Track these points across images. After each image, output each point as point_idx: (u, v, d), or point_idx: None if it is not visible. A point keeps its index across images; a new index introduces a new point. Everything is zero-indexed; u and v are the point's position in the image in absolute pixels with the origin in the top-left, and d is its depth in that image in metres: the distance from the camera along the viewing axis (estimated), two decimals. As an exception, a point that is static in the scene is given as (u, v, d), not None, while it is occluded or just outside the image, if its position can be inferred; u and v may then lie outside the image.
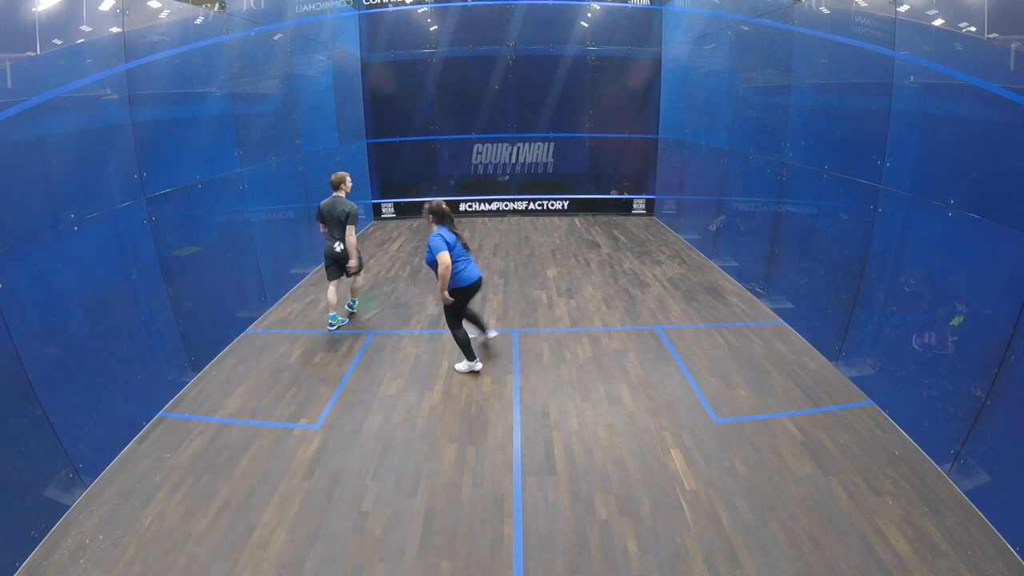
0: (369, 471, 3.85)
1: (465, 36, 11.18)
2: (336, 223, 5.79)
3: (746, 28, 7.42)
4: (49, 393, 3.43)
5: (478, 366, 5.14)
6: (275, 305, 6.90)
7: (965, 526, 3.24)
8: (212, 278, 5.61)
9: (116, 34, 4.32)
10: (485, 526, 3.35)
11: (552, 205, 11.99)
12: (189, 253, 5.28)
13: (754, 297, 6.91)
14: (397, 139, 11.74)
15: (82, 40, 4.05)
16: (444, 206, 4.95)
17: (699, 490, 3.60)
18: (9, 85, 3.44)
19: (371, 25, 11.21)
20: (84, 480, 3.67)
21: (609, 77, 11.52)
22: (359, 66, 11.12)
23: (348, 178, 5.99)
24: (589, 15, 11.31)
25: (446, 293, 4.84)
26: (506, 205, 12.02)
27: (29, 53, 3.62)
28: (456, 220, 5.19)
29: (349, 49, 10.65)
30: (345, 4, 10.37)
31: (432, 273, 4.91)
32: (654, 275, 7.82)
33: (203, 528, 3.35)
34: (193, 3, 5.78)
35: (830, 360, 5.21)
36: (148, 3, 4.90)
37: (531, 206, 12.00)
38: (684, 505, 3.48)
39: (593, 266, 8.30)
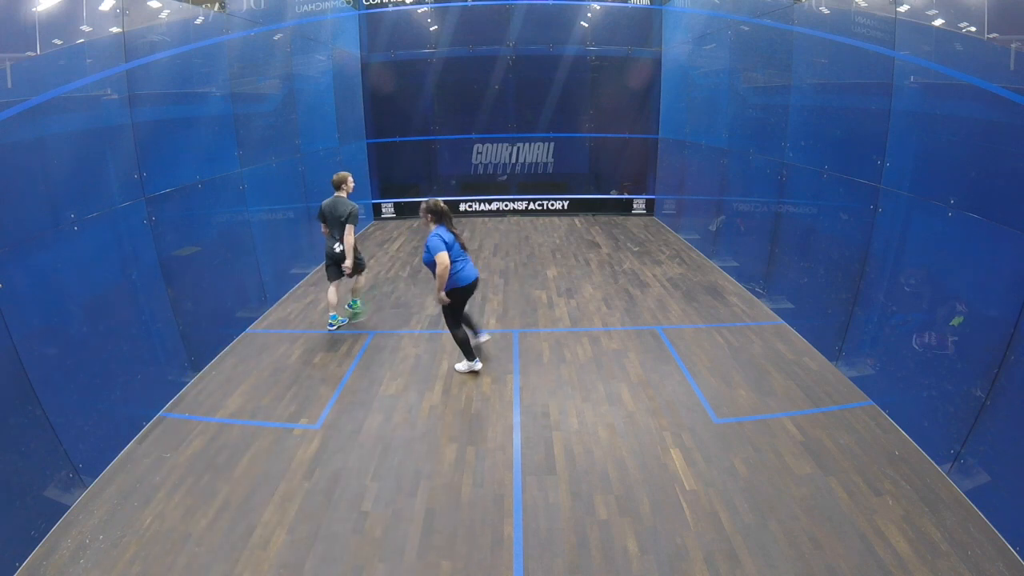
0: (369, 471, 3.85)
1: (465, 36, 11.18)
2: (337, 223, 5.77)
3: (746, 28, 7.42)
4: (49, 393, 3.43)
5: (478, 366, 5.14)
6: (275, 305, 6.90)
7: (965, 526, 3.24)
8: (212, 278, 5.61)
9: (116, 34, 4.32)
10: (485, 526, 3.35)
11: (552, 205, 11.99)
12: (189, 253, 5.28)
13: (754, 297, 6.91)
14: (397, 139, 11.74)
15: (82, 40, 4.05)
16: (442, 205, 4.90)
17: (699, 490, 3.60)
18: (9, 85, 3.44)
19: (371, 25, 11.21)
20: (84, 480, 3.67)
21: (609, 77, 11.52)
22: (359, 66, 11.12)
23: (350, 178, 5.97)
24: (589, 15, 11.32)
25: (443, 294, 4.84)
26: (506, 205, 12.02)
27: (29, 53, 3.62)
28: (455, 220, 5.17)
29: (349, 49, 10.65)
30: (345, 4, 10.37)
31: (431, 273, 4.88)
32: (654, 275, 7.82)
33: (203, 528, 3.35)
34: (193, 3, 5.78)
35: (830, 360, 5.22)
36: (148, 3, 4.90)
37: (531, 206, 12.00)
38: (684, 505, 3.48)
39: (593, 266, 8.30)
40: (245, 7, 6.68)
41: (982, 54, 3.66)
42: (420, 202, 5.02)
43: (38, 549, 3.19)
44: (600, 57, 11.41)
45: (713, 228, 8.60)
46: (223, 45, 5.98)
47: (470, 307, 5.41)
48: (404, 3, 11.21)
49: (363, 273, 6.26)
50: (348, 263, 5.76)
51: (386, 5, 11.20)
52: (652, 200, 11.87)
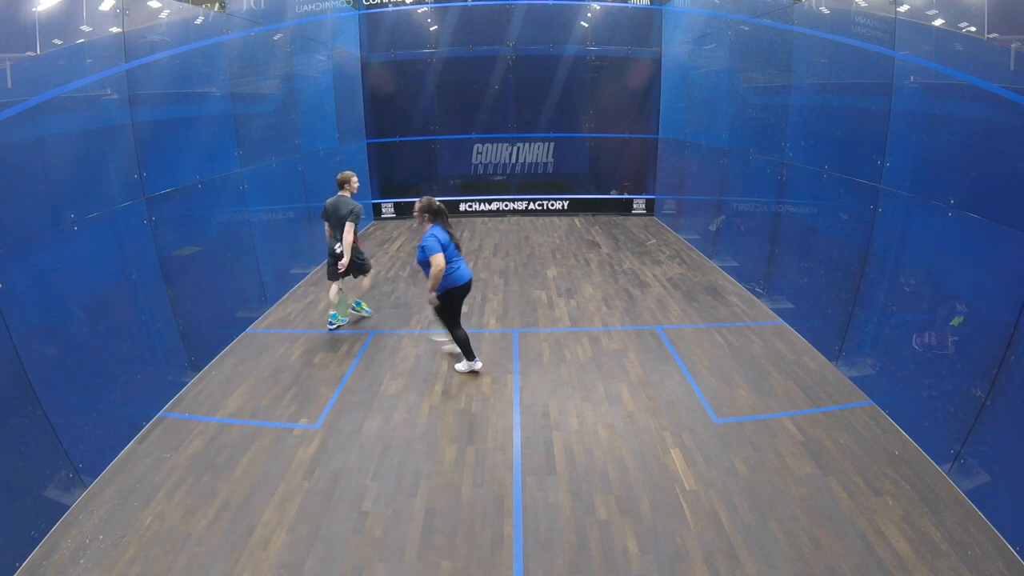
0: (369, 471, 3.85)
1: (465, 36, 11.18)
2: (339, 222, 5.76)
3: (746, 28, 7.42)
4: (49, 393, 3.43)
5: (478, 365, 5.14)
6: (275, 305, 6.90)
7: (965, 526, 3.24)
8: (212, 278, 5.61)
9: (116, 34, 4.32)
10: (485, 526, 3.35)
11: (552, 205, 11.99)
12: (189, 253, 5.28)
13: (754, 297, 6.91)
14: (397, 139, 11.74)
15: (82, 40, 4.05)
16: (437, 203, 4.86)
17: (699, 490, 3.60)
18: (9, 85, 3.44)
19: (371, 25, 11.21)
20: (84, 480, 3.67)
21: (609, 77, 11.52)
22: (359, 66, 11.12)
23: (354, 178, 5.94)
24: (589, 15, 11.32)
25: (433, 295, 4.82)
26: (506, 205, 12.02)
27: (29, 53, 3.62)
28: (455, 220, 5.16)
29: (349, 49, 10.65)
30: (345, 4, 10.37)
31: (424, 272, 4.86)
32: (654, 275, 7.82)
33: (203, 528, 3.35)
34: (193, 3, 5.78)
35: (830, 360, 5.21)
36: (148, 3, 4.90)
37: (531, 206, 12.00)
38: (684, 505, 3.48)
39: (593, 266, 8.30)
40: (245, 7, 6.68)
41: (982, 54, 3.66)
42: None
43: (38, 549, 3.19)
44: (600, 57, 11.41)
45: (713, 228, 8.60)
46: (223, 45, 5.98)
47: (470, 308, 5.40)
48: (404, 3, 11.21)
49: (368, 274, 6.19)
50: (345, 260, 5.73)
51: (386, 5, 11.20)
52: (652, 200, 11.87)
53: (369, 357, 5.50)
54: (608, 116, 11.69)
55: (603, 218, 11.69)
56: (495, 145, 11.85)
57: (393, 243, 9.93)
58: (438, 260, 4.66)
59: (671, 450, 4.01)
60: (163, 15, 5.06)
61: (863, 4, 5.01)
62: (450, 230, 4.88)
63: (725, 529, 3.27)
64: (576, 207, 11.98)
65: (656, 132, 11.53)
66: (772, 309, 6.46)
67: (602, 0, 11.30)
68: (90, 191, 4.07)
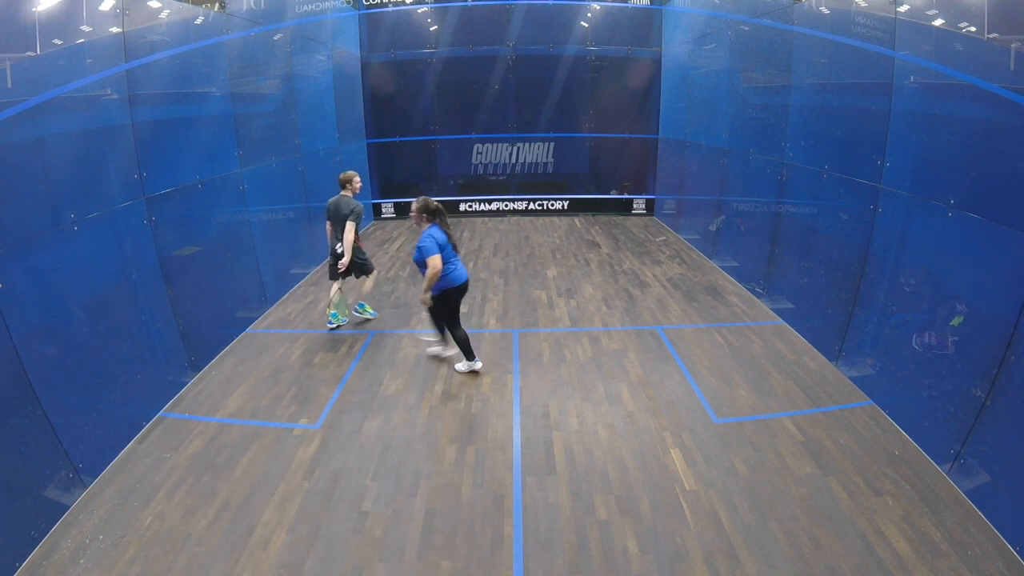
0: (369, 471, 3.85)
1: (465, 36, 11.18)
2: (341, 222, 5.77)
3: (746, 28, 7.42)
4: (49, 393, 3.43)
5: (478, 365, 5.14)
6: (275, 305, 6.90)
7: (965, 526, 3.24)
8: (212, 278, 5.61)
9: (116, 34, 4.32)
10: (485, 526, 3.35)
11: (552, 205, 11.99)
12: (189, 253, 5.28)
13: (754, 297, 6.91)
14: (397, 139, 11.74)
15: (82, 40, 4.05)
16: (435, 203, 4.83)
17: (699, 490, 3.60)
18: (9, 85, 3.44)
19: (371, 25, 11.21)
20: (84, 480, 3.67)
21: (609, 77, 11.52)
22: (359, 66, 11.12)
23: (356, 178, 5.93)
24: (589, 15, 11.32)
25: (427, 295, 4.82)
26: (506, 205, 12.02)
27: (29, 53, 3.62)
28: (454, 220, 5.15)
29: (349, 49, 10.65)
30: (345, 4, 10.37)
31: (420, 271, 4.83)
32: (654, 275, 7.82)
33: (203, 528, 3.35)
34: (193, 3, 5.78)
35: (830, 360, 5.22)
36: (148, 3, 4.90)
37: (531, 206, 12.00)
38: (684, 505, 3.48)
39: (593, 266, 8.30)
40: (245, 7, 6.68)
41: (982, 54, 3.66)
42: (419, 202, 4.96)
43: (38, 549, 3.19)
44: (600, 57, 11.41)
45: (713, 228, 8.60)
46: (223, 45, 5.98)
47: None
48: (404, 3, 11.21)
49: (370, 276, 6.16)
50: (345, 260, 5.72)
51: (386, 5, 11.20)
52: (652, 200, 11.87)
53: (369, 357, 5.50)
54: (608, 116, 11.69)
55: (603, 218, 11.69)
56: (495, 145, 11.85)
57: (393, 243, 9.93)
58: (435, 261, 4.65)
59: (671, 450, 4.01)
60: (163, 15, 5.06)
61: (863, 4, 5.01)
62: (448, 230, 4.86)
63: (725, 529, 3.27)
64: (576, 207, 11.99)
65: (656, 132, 11.53)
66: (772, 309, 6.46)
67: (602, 0, 11.30)
68: (90, 191, 4.07)
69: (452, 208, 11.88)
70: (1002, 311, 3.34)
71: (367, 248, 6.14)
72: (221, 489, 3.68)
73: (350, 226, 5.69)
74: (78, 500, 3.57)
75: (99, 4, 4.22)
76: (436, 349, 5.40)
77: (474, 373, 5.13)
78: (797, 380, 4.91)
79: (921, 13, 4.24)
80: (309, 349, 5.69)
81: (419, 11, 11.27)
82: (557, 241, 9.85)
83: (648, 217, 11.78)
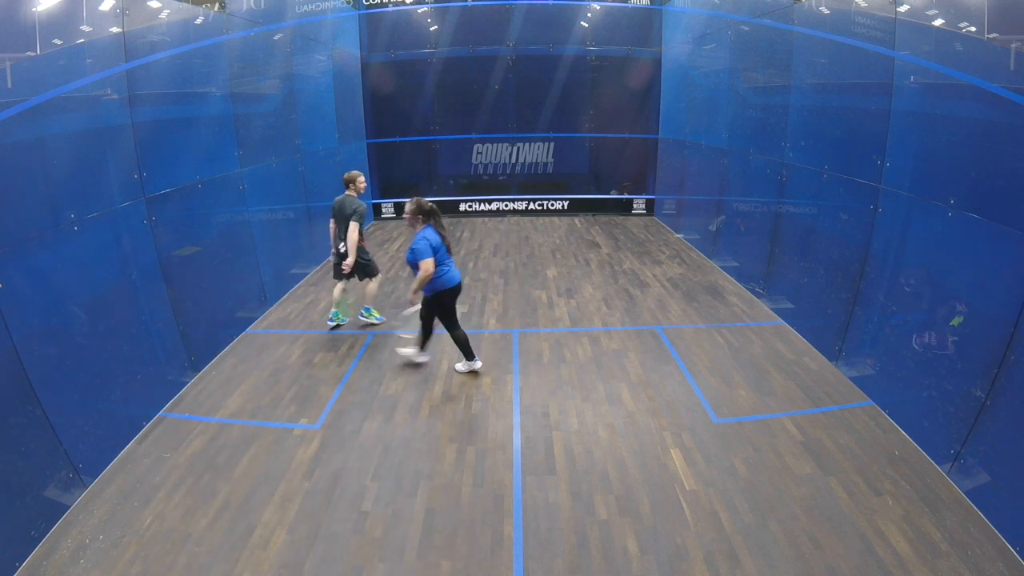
0: (369, 471, 3.85)
1: (465, 36, 11.18)
2: (344, 221, 5.77)
3: (746, 28, 7.42)
4: (49, 393, 3.43)
5: (477, 364, 5.14)
6: (275, 305, 6.90)
7: (965, 526, 3.24)
8: (212, 278, 5.61)
9: (116, 34, 4.32)
10: (485, 526, 3.35)
11: (552, 205, 11.99)
12: (189, 253, 5.28)
13: (754, 297, 6.91)
14: (397, 139, 11.75)
15: (82, 40, 4.05)
16: (429, 204, 4.80)
17: (699, 490, 3.60)
18: (9, 85, 3.44)
19: (371, 25, 11.21)
20: (84, 480, 3.67)
21: (609, 77, 11.53)
22: (359, 66, 11.12)
23: (360, 177, 5.92)
24: (589, 15, 11.32)
25: (416, 296, 4.79)
26: (506, 205, 12.02)
27: (29, 53, 3.62)
28: (456, 221, 5.14)
29: (349, 49, 10.65)
30: (345, 4, 10.37)
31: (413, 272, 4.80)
32: (654, 275, 7.83)
33: (203, 528, 3.35)
34: (193, 3, 5.78)
35: (830, 360, 5.21)
36: (148, 3, 4.90)
37: (531, 206, 12.00)
38: (684, 505, 3.48)
39: (593, 266, 8.30)
40: (245, 7, 6.68)
41: (982, 54, 3.66)
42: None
43: (38, 549, 3.19)
44: (600, 57, 11.41)
45: (713, 228, 8.60)
46: (223, 45, 5.98)
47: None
48: (404, 3, 11.21)
49: (375, 279, 6.14)
50: (349, 260, 5.72)
51: (386, 5, 11.20)
52: (652, 200, 11.87)
53: (369, 357, 5.50)
54: (608, 116, 11.70)
55: (603, 218, 11.69)
56: (495, 145, 11.86)
57: (393, 243, 9.93)
58: (427, 265, 4.62)
59: (671, 450, 4.01)
60: (163, 15, 5.06)
61: (863, 4, 5.02)
62: (442, 231, 4.82)
63: (725, 529, 3.27)
64: (576, 207, 11.99)
65: (656, 132, 11.54)
66: (772, 309, 6.46)
67: (602, 0, 11.30)
68: (90, 191, 4.07)
69: (452, 208, 11.89)
70: (1002, 311, 3.34)
71: (368, 248, 6.13)
72: (221, 489, 3.68)
73: (353, 226, 5.68)
74: (78, 500, 3.57)
75: (99, 4, 4.22)
76: (409, 351, 5.28)
77: (474, 373, 5.13)
78: (797, 380, 4.91)
79: (921, 13, 4.24)
80: (309, 349, 5.69)
81: (419, 11, 11.27)
82: (557, 241, 9.85)
83: (648, 217, 11.78)
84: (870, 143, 4.71)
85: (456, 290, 4.93)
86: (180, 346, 4.95)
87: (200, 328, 5.28)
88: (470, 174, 12.05)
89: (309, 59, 8.59)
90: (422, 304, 5.01)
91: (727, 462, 3.86)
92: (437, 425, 4.38)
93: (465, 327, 5.18)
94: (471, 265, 8.46)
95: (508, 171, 12.04)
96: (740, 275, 7.49)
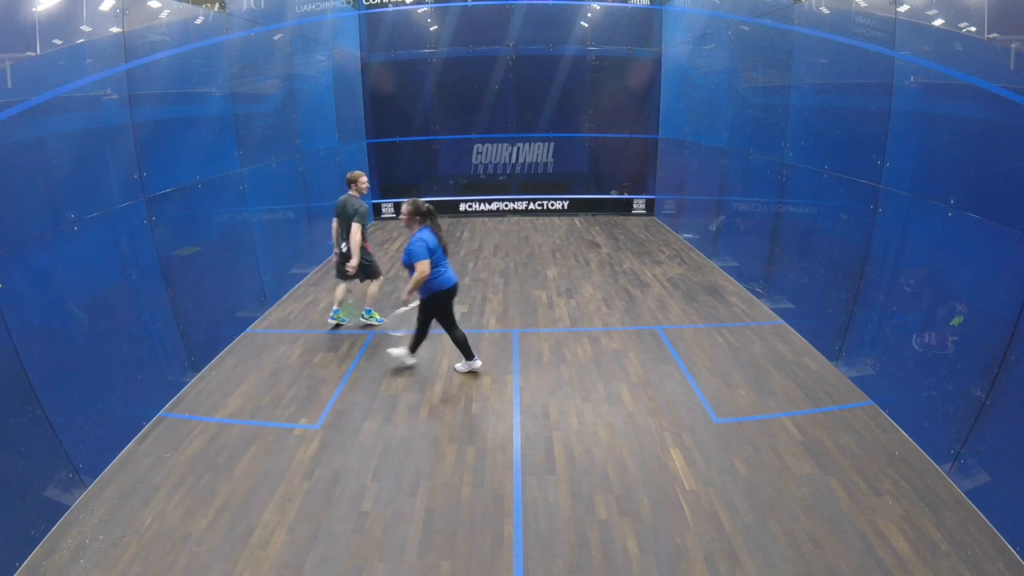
0: (369, 471, 3.85)
1: (465, 36, 11.18)
2: (347, 222, 5.78)
3: (746, 28, 7.42)
4: (49, 393, 3.43)
5: (477, 364, 5.14)
6: (275, 305, 6.90)
7: (965, 526, 3.24)
8: (212, 278, 5.61)
9: (116, 34, 4.32)
10: (485, 526, 3.35)
11: (552, 205, 11.99)
12: (189, 253, 5.28)
13: (754, 297, 6.91)
14: (397, 139, 11.75)
15: (82, 40, 4.05)
16: (426, 206, 4.78)
17: (699, 490, 3.60)
18: (9, 85, 3.44)
19: (371, 25, 11.21)
20: (84, 480, 3.67)
21: (609, 77, 11.53)
22: (359, 66, 11.12)
23: (362, 177, 5.94)
24: (589, 15, 11.32)
25: (409, 296, 4.78)
26: (506, 205, 12.02)
27: (29, 53, 3.62)
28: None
29: (349, 49, 10.65)
30: (345, 4, 10.37)
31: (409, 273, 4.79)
32: (654, 275, 7.83)
33: (203, 528, 3.35)
34: (193, 3, 5.78)
35: (830, 360, 5.21)
36: (148, 3, 4.90)
37: (531, 206, 12.00)
38: (684, 505, 3.48)
39: (593, 266, 8.30)
40: (245, 7, 6.68)
41: (982, 54, 3.66)
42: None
43: (38, 549, 3.19)
44: (600, 57, 11.41)
45: (713, 228, 8.60)
46: (223, 45, 5.98)
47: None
48: (404, 3, 11.21)
49: (377, 281, 6.14)
50: (354, 262, 5.72)
51: (386, 5, 11.20)
52: (652, 200, 11.87)
53: (369, 357, 5.50)
54: (608, 116, 11.70)
55: (603, 218, 11.69)
56: (495, 145, 11.86)
57: (393, 243, 9.93)
58: (423, 267, 4.61)
59: (671, 450, 4.01)
60: (163, 15, 5.06)
61: (863, 4, 5.02)
62: (439, 233, 4.81)
63: (725, 529, 3.27)
64: (576, 207, 11.99)
65: (656, 132, 11.54)
66: (772, 309, 6.46)
67: (602, 0, 11.30)
68: (90, 191, 4.07)
69: (452, 208, 11.89)
70: (1002, 311, 3.34)
71: (371, 250, 6.13)
72: (221, 489, 3.68)
73: (356, 228, 5.69)
74: (78, 500, 3.57)
75: (99, 4, 4.22)
76: (399, 352, 5.23)
77: (474, 373, 5.12)
78: (797, 380, 4.91)
79: (921, 13, 4.24)
80: (309, 349, 5.69)
81: (419, 11, 11.27)
82: (557, 241, 9.85)
83: (648, 217, 11.78)
84: (870, 143, 4.71)
85: (452, 291, 4.91)
86: (180, 346, 4.95)
87: (200, 328, 5.28)
88: (470, 174, 12.05)
89: (309, 59, 8.59)
90: (419, 307, 4.98)
91: (727, 462, 3.86)
92: (437, 425, 4.38)
93: (465, 327, 5.18)
94: (471, 265, 8.46)
95: (508, 171, 12.04)
96: (740, 275, 7.49)
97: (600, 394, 4.76)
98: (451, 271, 4.91)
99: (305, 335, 6.04)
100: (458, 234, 10.36)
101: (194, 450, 4.09)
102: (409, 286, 4.72)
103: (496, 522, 3.38)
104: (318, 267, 8.35)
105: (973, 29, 3.74)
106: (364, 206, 5.80)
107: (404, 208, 4.84)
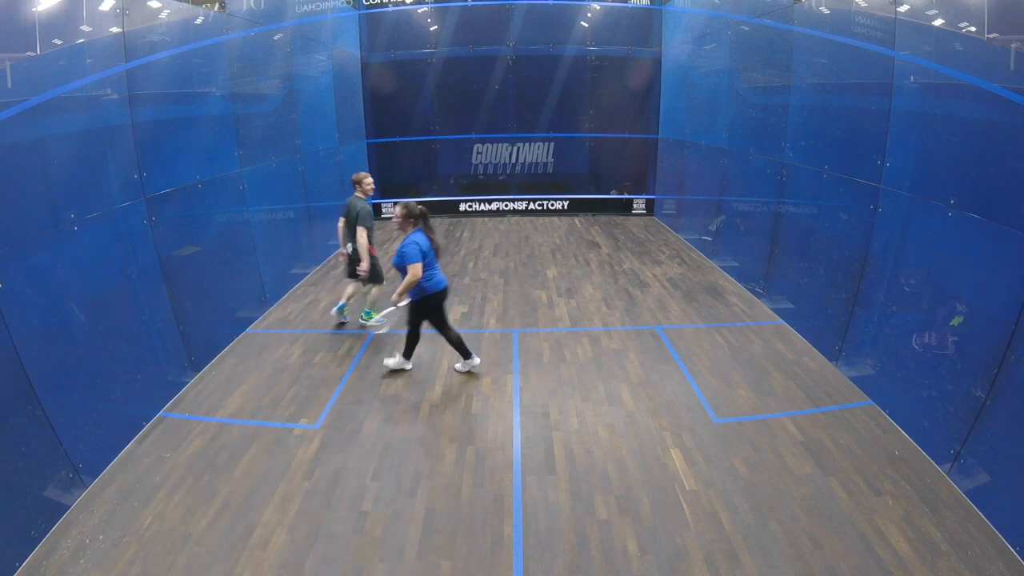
0: (369, 471, 3.85)
1: (465, 36, 11.18)
2: (351, 223, 5.82)
3: (746, 28, 7.42)
4: (49, 393, 3.43)
5: (476, 362, 5.13)
6: (275, 305, 6.90)
7: (965, 526, 3.24)
8: (212, 278, 5.61)
9: (116, 34, 4.32)
10: (485, 526, 3.35)
11: (552, 205, 11.99)
12: (189, 253, 5.27)
13: (754, 297, 6.91)
14: (397, 139, 11.75)
15: (82, 40, 4.05)
16: (419, 208, 4.76)
17: (699, 490, 3.60)
18: (9, 85, 3.44)
19: (371, 25, 11.21)
20: (84, 480, 3.67)
21: (609, 77, 11.53)
22: (359, 66, 11.12)
23: (367, 179, 5.96)
24: (589, 15, 11.32)
25: (401, 298, 4.76)
26: (506, 205, 12.02)
27: (29, 53, 3.62)
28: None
29: (349, 49, 10.65)
30: (345, 4, 10.37)
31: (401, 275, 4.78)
32: (654, 275, 7.82)
33: (203, 528, 3.35)
34: (193, 3, 5.78)
35: (830, 360, 5.21)
36: (148, 3, 4.90)
37: (531, 206, 12.00)
38: (684, 505, 3.48)
39: (593, 266, 8.30)
40: (245, 7, 6.68)
41: (982, 54, 3.66)
42: (420, 203, 4.90)
43: (38, 549, 3.19)
44: (600, 57, 11.41)
45: (713, 228, 8.60)
46: (223, 45, 5.98)
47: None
48: (404, 3, 11.22)
49: (380, 285, 6.14)
50: (364, 266, 5.73)
51: (386, 5, 11.20)
52: (652, 200, 11.87)
53: (369, 357, 5.50)
54: (608, 116, 11.70)
55: (603, 218, 11.69)
56: (495, 145, 11.86)
57: (393, 243, 9.92)
58: (415, 270, 4.59)
59: (671, 450, 4.01)
60: (163, 15, 5.05)
61: (863, 4, 5.02)
62: (431, 235, 4.79)
63: (725, 529, 3.27)
64: (576, 207, 11.99)
65: (656, 132, 11.53)
66: (772, 309, 6.46)
67: (602, 0, 11.30)
68: (90, 191, 4.07)
69: (452, 208, 11.89)
70: (1002, 311, 3.34)
71: (375, 253, 6.12)
72: (221, 489, 3.68)
73: (360, 231, 5.70)
74: (78, 500, 3.57)
75: (99, 4, 4.22)
76: (394, 360, 5.20)
77: (474, 373, 5.12)
78: (797, 380, 4.91)
79: (921, 13, 4.24)
80: (309, 349, 5.69)
81: (419, 11, 11.27)
82: (557, 241, 9.85)
83: (648, 217, 11.78)
84: (870, 143, 4.71)
85: (443, 294, 4.89)
86: (180, 346, 4.95)
87: (200, 328, 5.28)
88: (470, 174, 12.06)
89: (309, 59, 8.59)
90: (409, 309, 4.95)
91: (727, 462, 3.86)
92: (437, 425, 4.38)
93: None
94: (471, 265, 8.46)
95: (508, 171, 12.04)
96: (740, 275, 7.49)
97: (600, 394, 4.76)
98: (440, 275, 4.88)
99: (305, 335, 6.04)
100: (458, 234, 10.36)
101: (194, 450, 4.09)
102: (400, 288, 4.71)
103: (496, 522, 3.38)
104: (318, 267, 8.35)
105: (973, 29, 3.74)
106: (365, 208, 5.81)
107: (397, 210, 4.82)
